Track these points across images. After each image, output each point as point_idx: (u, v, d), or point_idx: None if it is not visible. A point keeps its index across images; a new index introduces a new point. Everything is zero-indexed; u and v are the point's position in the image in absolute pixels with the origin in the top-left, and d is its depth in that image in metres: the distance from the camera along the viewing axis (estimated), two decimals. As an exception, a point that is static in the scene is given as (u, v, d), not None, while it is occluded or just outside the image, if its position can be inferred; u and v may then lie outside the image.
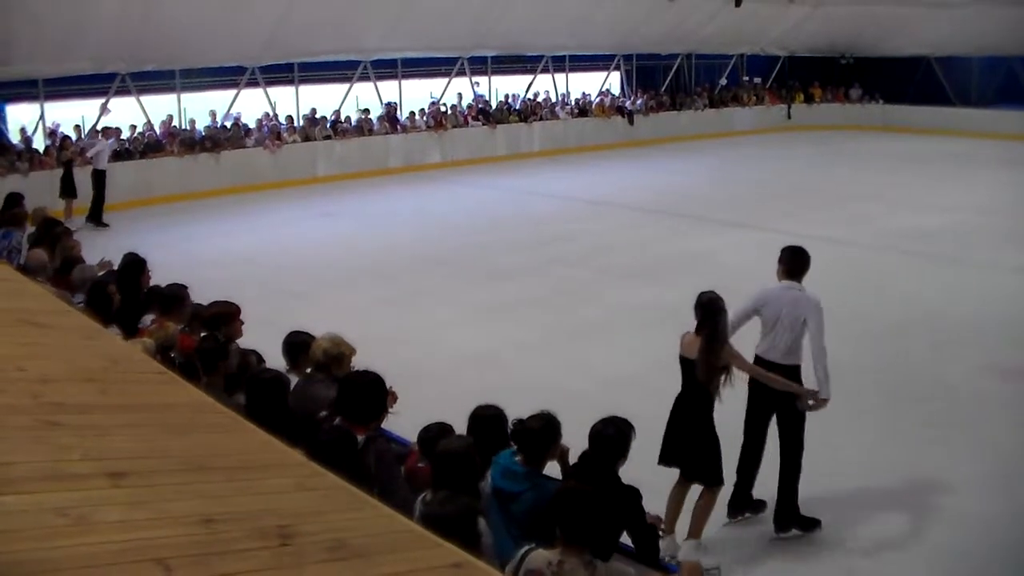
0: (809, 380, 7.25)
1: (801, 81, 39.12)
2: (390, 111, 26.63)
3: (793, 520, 7.10)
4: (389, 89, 27.69)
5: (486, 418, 5.31)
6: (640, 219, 19.55)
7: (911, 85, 37.55)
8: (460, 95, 28.97)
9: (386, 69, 27.52)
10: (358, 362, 5.88)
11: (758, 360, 7.32)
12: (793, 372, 7.13)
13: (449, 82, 28.80)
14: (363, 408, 5.00)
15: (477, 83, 29.97)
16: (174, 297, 7.26)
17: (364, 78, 26.72)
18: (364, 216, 20.17)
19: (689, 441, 6.76)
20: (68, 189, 19.18)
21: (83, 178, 19.25)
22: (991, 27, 32.41)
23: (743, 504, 7.35)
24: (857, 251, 16.50)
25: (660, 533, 5.83)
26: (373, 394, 5.07)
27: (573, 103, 31.57)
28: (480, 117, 28.31)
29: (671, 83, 35.84)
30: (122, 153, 21.22)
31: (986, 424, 9.18)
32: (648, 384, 10.15)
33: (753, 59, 38.68)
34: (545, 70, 31.40)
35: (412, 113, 27.13)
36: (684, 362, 7.05)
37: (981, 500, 7.66)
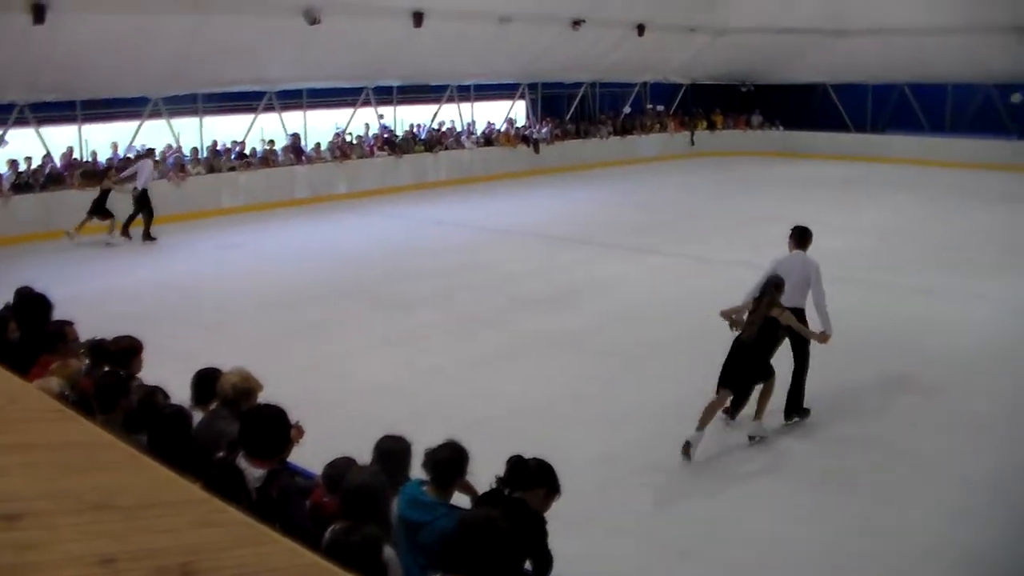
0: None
1: (704, 108, 39.77)
2: (295, 142, 26.46)
3: (795, 411, 9.80)
4: (294, 119, 27.55)
5: (393, 448, 5.31)
6: (546, 247, 19.67)
7: (809, 112, 38.43)
8: (367, 125, 28.91)
9: (291, 99, 27.36)
10: (266, 395, 5.82)
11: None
12: (800, 312, 9.76)
13: (354, 112, 28.71)
14: (266, 443, 4.96)
15: (382, 115, 29.95)
16: (57, 334, 7.06)
17: (269, 108, 26.53)
18: (271, 247, 19.99)
19: (748, 373, 9.30)
20: (101, 210, 20.12)
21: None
22: (883, 56, 33.46)
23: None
24: (758, 272, 16.71)
25: None
26: (276, 428, 5.02)
27: (479, 132, 31.70)
28: (386, 147, 28.27)
29: (576, 111, 36.17)
30: (22, 186, 20.88)
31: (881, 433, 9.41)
32: (556, 410, 10.22)
33: (657, 87, 39.23)
34: (451, 99, 31.47)
35: (317, 144, 27.02)
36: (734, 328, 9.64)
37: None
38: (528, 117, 35.04)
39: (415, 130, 29.94)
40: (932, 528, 7.68)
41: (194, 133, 25.62)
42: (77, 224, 19.76)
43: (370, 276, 16.99)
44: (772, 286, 9.37)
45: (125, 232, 20.41)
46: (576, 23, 29.03)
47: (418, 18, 24.62)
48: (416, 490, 5.05)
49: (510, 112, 33.82)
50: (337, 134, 27.84)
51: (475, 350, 12.46)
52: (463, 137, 30.97)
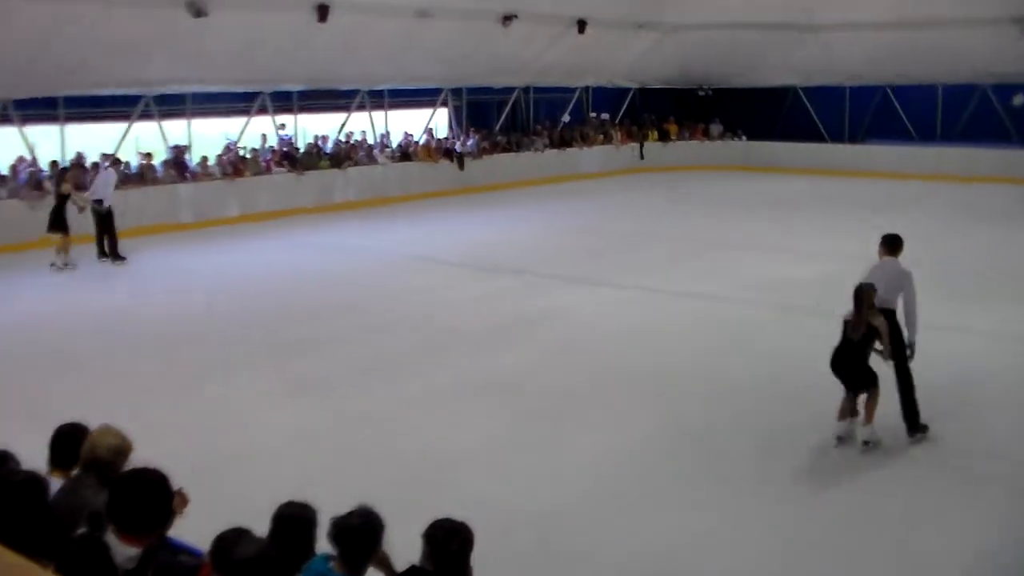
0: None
1: (655, 116, 40.14)
2: (178, 155, 26.20)
3: (914, 427, 10.77)
4: (176, 129, 27.30)
5: (293, 518, 5.19)
6: (473, 278, 19.63)
7: (777, 119, 38.98)
8: (263, 136, 28.75)
9: (173, 106, 27.10)
10: (140, 455, 5.66)
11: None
12: (891, 313, 10.81)
13: (248, 121, 28.54)
14: (142, 515, 4.82)
15: (282, 124, 29.82)
16: None
17: (146, 116, 26.24)
18: (149, 279, 19.74)
19: (852, 373, 10.66)
20: (60, 223, 20.24)
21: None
22: (862, 54, 33.90)
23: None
24: (718, 306, 16.97)
25: None
26: (154, 497, 4.89)
27: (394, 145, 31.66)
28: (285, 163, 28.11)
29: (507, 120, 36.31)
30: None
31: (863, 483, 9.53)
32: (491, 465, 10.16)
33: (600, 92, 39.55)
34: (361, 107, 31.43)
35: (204, 158, 26.78)
36: (845, 324, 10.75)
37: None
38: (451, 128, 35.11)
39: (319, 143, 29.84)
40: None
41: (54, 143, 25.26)
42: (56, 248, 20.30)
43: (267, 313, 16.82)
44: (863, 293, 10.64)
45: (104, 254, 21.15)
46: (507, 18, 29.20)
47: (323, 11, 24.56)
48: (323, 567, 4.94)
49: (430, 122, 33.85)
50: (228, 147, 27.65)
51: (391, 398, 12.33)
52: (376, 151, 30.97)
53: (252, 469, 9.95)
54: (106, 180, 21.40)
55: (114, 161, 23.02)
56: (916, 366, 10.72)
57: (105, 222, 21.11)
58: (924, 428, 10.76)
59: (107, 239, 21.16)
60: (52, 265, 20.17)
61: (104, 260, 21.08)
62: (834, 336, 14.87)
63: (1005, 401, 12.20)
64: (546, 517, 8.87)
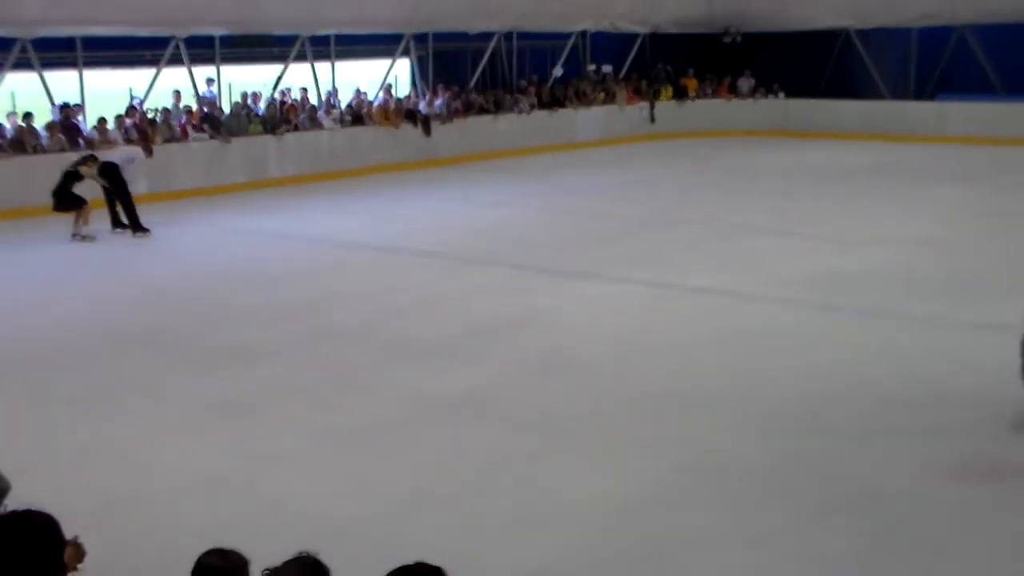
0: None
1: (669, 69, 40.20)
2: (67, 116, 26.16)
3: None
4: (64, 83, 27.23)
5: (215, 569, 5.23)
6: (439, 271, 19.69)
7: (824, 72, 39.00)
8: (177, 94, 28.73)
9: (60, 52, 26.99)
10: (20, 497, 5.72)
11: None
12: None
13: (157, 74, 28.51)
14: (25, 568, 4.89)
15: (209, 79, 29.84)
16: None
17: (23, 65, 26.23)
18: (30, 277, 19.76)
19: None
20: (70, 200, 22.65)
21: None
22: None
23: None
24: (748, 306, 16.98)
25: None
26: (41, 547, 4.95)
27: (343, 106, 31.67)
28: (206, 127, 28.09)
29: (484, 75, 36.33)
30: None
31: (946, 546, 9.49)
32: (453, 508, 10.18)
33: (601, 38, 39.58)
34: (301, 57, 31.42)
35: (102, 120, 26.77)
36: None
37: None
38: (415, 84, 35.14)
39: (249, 102, 29.83)
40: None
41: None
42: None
43: (181, 318, 16.78)
44: None
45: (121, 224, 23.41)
46: (484, -56, 29.31)
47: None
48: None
49: (388, 76, 33.84)
50: (132, 107, 27.63)
51: (340, 422, 12.31)
52: (320, 113, 30.96)
53: (161, 512, 9.85)
54: (132, 155, 23.76)
55: (147, 149, 24.94)
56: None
57: (120, 190, 23.13)
58: None
59: (125, 209, 23.23)
60: (74, 236, 22.46)
61: (118, 231, 23.31)
62: (888, 344, 15.07)
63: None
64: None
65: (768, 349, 14.90)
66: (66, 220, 22.61)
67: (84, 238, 22.50)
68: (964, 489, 10.59)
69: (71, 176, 22.44)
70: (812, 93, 38.84)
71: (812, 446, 11.58)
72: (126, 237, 23.05)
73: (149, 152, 24.93)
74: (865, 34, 38.25)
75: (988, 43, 36.47)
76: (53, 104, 26.49)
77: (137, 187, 23.71)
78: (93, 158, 23.15)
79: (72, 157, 25.21)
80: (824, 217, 24.22)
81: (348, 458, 11.38)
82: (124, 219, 23.27)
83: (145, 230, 23.05)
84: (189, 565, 5.20)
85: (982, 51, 36.53)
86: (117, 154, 23.71)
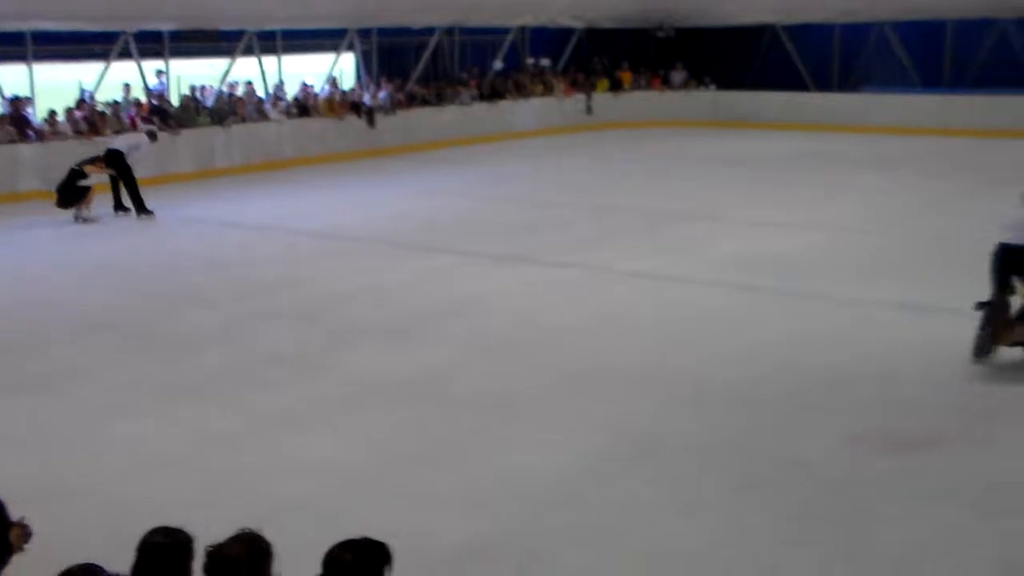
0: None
1: (605, 62, 40.28)
2: (16, 109, 25.93)
3: None
4: (14, 76, 26.98)
5: (161, 547, 5.15)
6: (387, 257, 19.66)
7: (752, 65, 39.23)
8: (126, 87, 28.55)
9: (10, 46, 26.74)
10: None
11: (1004, 247, 13.25)
12: None
13: (107, 68, 28.32)
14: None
15: (159, 71, 29.69)
16: None
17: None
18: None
19: None
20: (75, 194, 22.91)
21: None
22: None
23: None
24: (679, 289, 17.08)
25: None
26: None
27: (289, 98, 31.57)
28: (155, 119, 27.92)
29: (427, 68, 36.27)
30: None
31: (864, 516, 9.55)
32: (397, 483, 10.14)
33: (539, 33, 39.67)
34: (248, 51, 31.29)
35: (52, 113, 26.55)
36: None
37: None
38: (359, 77, 35.06)
39: (197, 95, 29.69)
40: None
41: None
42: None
43: (133, 303, 16.72)
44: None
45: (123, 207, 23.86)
46: (425, -58, 29.26)
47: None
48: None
49: (333, 69, 33.76)
50: (82, 99, 27.43)
51: (285, 403, 12.24)
52: (267, 105, 30.85)
53: (109, 493, 9.81)
54: (138, 141, 24.18)
55: (151, 133, 25.22)
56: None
57: (125, 175, 23.50)
58: None
59: (130, 192, 23.62)
60: (76, 219, 22.81)
61: (122, 213, 23.75)
62: (827, 323, 15.19)
63: None
64: (467, 551, 8.82)
65: (698, 329, 15.01)
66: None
67: (86, 220, 22.84)
68: (881, 459, 10.69)
69: (76, 174, 22.61)
70: (741, 85, 39.11)
71: (741, 421, 11.68)
72: (129, 218, 23.43)
73: (154, 137, 25.16)
74: (791, 29, 38.55)
75: (906, 38, 36.85)
76: (3, 97, 26.20)
77: (139, 171, 23.87)
78: (100, 160, 23.28)
79: (22, 150, 25.12)
80: (752, 203, 24.36)
81: (294, 438, 11.32)
82: (125, 203, 23.57)
83: (149, 212, 23.51)
84: (135, 543, 5.15)
85: (901, 46, 36.84)
86: (122, 141, 24.05)
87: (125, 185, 23.61)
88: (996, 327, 13.04)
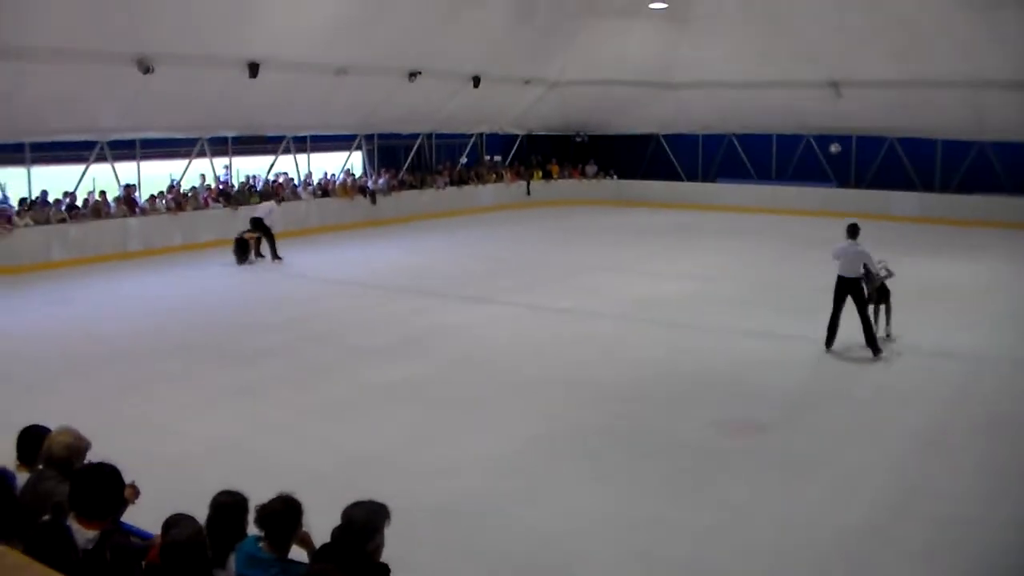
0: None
1: (540, 158, 40.36)
2: (128, 193, 25.81)
3: (873, 348, 14.42)
4: (127, 170, 26.86)
5: (226, 505, 5.15)
6: (385, 297, 19.56)
7: (643, 161, 39.47)
8: (202, 176, 28.44)
9: (124, 150, 26.65)
10: (97, 453, 5.62)
11: (840, 278, 14.63)
12: (857, 280, 14.50)
13: (189, 163, 28.20)
14: (98, 503, 4.81)
15: (226, 167, 29.61)
16: None
17: (101, 159, 25.78)
18: (102, 302, 19.34)
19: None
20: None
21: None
22: (711, 108, 34.82)
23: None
24: (593, 321, 17.10)
25: None
26: (109, 488, 4.88)
27: (315, 183, 31.50)
28: (221, 199, 27.82)
29: (413, 162, 36.25)
30: None
31: (722, 476, 9.70)
32: (397, 462, 10.16)
33: (493, 138, 39.70)
34: (287, 151, 31.24)
35: (151, 196, 26.38)
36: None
37: (715, 548, 8.07)
38: (365, 168, 35.01)
39: (251, 181, 29.59)
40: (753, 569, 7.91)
41: (22, 183, 24.73)
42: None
43: (205, 329, 16.61)
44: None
45: (260, 255, 24.71)
46: (412, 75, 29.28)
47: (253, 69, 24.40)
48: (252, 547, 4.94)
49: (347, 163, 33.70)
50: (172, 185, 27.30)
51: (315, 402, 12.27)
52: (299, 188, 30.74)
53: (194, 463, 9.87)
54: (269, 208, 25.01)
55: (278, 201, 26.77)
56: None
57: (266, 233, 24.40)
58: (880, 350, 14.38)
59: (269, 245, 24.48)
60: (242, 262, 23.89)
61: (260, 259, 24.46)
62: (690, 342, 15.29)
63: (828, 390, 12.63)
64: (443, 509, 8.88)
65: (608, 349, 15.13)
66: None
67: (251, 262, 23.99)
68: (737, 440, 10.80)
69: (240, 241, 23.97)
70: (635, 175, 39.19)
71: (636, 412, 11.88)
72: (265, 262, 24.21)
73: (279, 201, 26.83)
74: (668, 137, 38.77)
75: (746, 146, 37.13)
76: (119, 184, 26.01)
77: (275, 228, 24.79)
78: (250, 230, 24.40)
79: (131, 222, 24.95)
80: (645, 259, 24.43)
81: (319, 427, 11.37)
82: (263, 252, 24.50)
83: (279, 258, 24.26)
84: (207, 500, 5.17)
85: (743, 151, 37.19)
86: (260, 210, 25.01)
87: (267, 241, 24.43)
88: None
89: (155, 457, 9.67)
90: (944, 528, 8.47)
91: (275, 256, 24.29)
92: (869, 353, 14.38)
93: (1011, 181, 31.78)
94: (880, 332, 15.08)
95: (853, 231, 14.65)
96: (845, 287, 14.55)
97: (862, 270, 14.54)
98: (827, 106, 32.10)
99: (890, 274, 15.35)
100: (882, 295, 15.32)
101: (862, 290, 14.56)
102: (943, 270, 21.76)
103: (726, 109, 34.70)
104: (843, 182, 34.98)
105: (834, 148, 33.88)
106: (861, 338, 14.56)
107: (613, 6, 31.09)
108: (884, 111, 31.51)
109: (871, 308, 14.99)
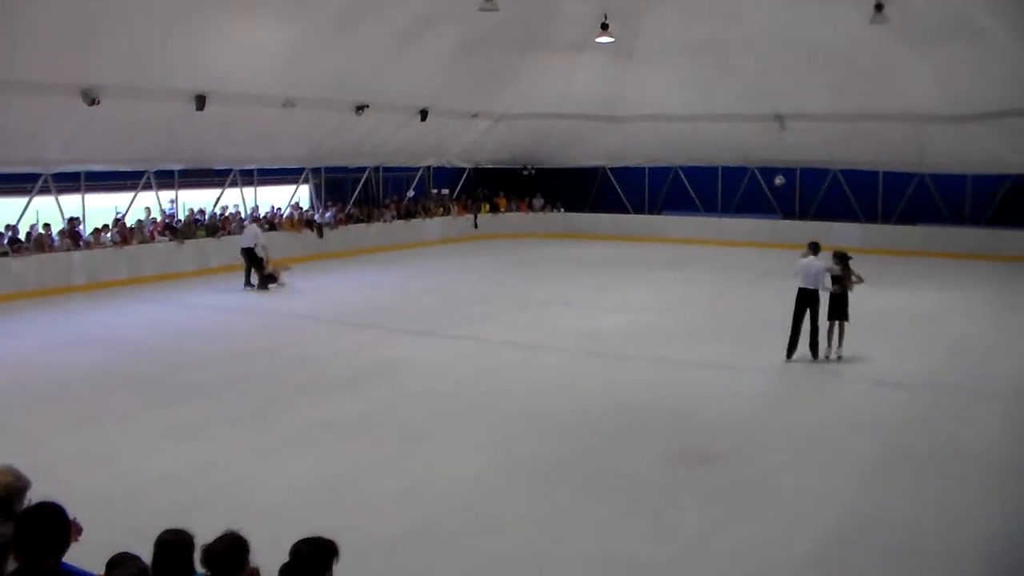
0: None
1: (487, 191, 40.47)
2: (72, 226, 25.52)
3: (814, 352, 15.89)
4: (71, 202, 26.58)
5: (171, 544, 5.05)
6: (333, 331, 19.47)
7: (589, 194, 39.72)
8: (148, 209, 28.20)
9: (68, 182, 26.39)
10: (39, 492, 5.52)
11: (800, 289, 15.77)
12: (815, 292, 15.59)
13: (135, 196, 27.96)
14: (43, 544, 4.72)
15: (172, 201, 29.39)
16: None
17: (45, 191, 25.47)
18: (45, 335, 19.07)
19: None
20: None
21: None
22: (657, 140, 35.18)
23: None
24: (540, 353, 17.10)
25: None
26: (53, 528, 4.79)
27: (262, 216, 31.33)
28: (167, 232, 27.60)
29: (360, 195, 36.21)
30: None
31: (671, 507, 9.72)
32: (345, 495, 10.07)
33: (440, 171, 39.76)
34: (234, 183, 31.07)
35: (96, 229, 26.11)
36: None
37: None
38: (312, 201, 34.90)
39: (197, 215, 29.39)
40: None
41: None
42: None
43: (151, 365, 16.37)
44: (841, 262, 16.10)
45: (250, 284, 25.01)
46: (359, 108, 29.32)
47: (200, 101, 24.30)
48: (200, 585, 4.88)
49: (294, 196, 33.58)
50: (117, 219, 27.04)
51: (258, 438, 12.09)
52: (246, 222, 30.55)
53: (140, 501, 9.71)
54: (255, 234, 25.21)
55: (254, 219, 28.32)
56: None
57: (254, 262, 24.82)
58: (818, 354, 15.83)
59: (254, 272, 24.92)
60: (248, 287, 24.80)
61: (249, 288, 24.81)
62: (637, 375, 15.35)
63: (773, 415, 12.70)
64: (399, 540, 8.83)
65: (552, 381, 15.13)
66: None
67: (254, 288, 24.72)
68: (686, 471, 10.84)
69: (248, 271, 24.94)
70: (582, 208, 39.45)
71: (585, 443, 11.91)
72: (252, 291, 24.64)
73: (262, 229, 27.01)
74: (615, 170, 39.07)
75: (692, 178, 37.52)
76: (63, 218, 25.72)
77: (265, 255, 25.19)
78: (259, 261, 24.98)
79: (76, 256, 24.66)
80: (592, 292, 24.53)
81: (266, 463, 11.22)
82: (252, 280, 24.95)
83: (266, 288, 24.64)
84: (151, 539, 5.08)
85: (688, 183, 37.56)
86: (246, 238, 25.34)
87: (255, 269, 24.83)
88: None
89: (99, 494, 9.53)
90: (896, 558, 8.53)
91: (262, 285, 24.66)
92: (821, 381, 14.91)
93: (951, 212, 32.46)
94: (832, 354, 16.09)
95: (815, 248, 16.06)
96: (805, 299, 15.75)
97: (828, 284, 15.82)
98: (771, 139, 32.66)
99: (860, 280, 16.39)
100: (840, 313, 16.09)
101: (819, 301, 15.75)
102: (889, 299, 22.03)
103: (672, 142, 35.10)
104: (788, 214, 35.52)
105: (779, 180, 34.32)
106: (816, 365, 15.31)
107: (559, 41, 31.35)
108: (827, 144, 32.08)
109: (827, 324, 15.94)
